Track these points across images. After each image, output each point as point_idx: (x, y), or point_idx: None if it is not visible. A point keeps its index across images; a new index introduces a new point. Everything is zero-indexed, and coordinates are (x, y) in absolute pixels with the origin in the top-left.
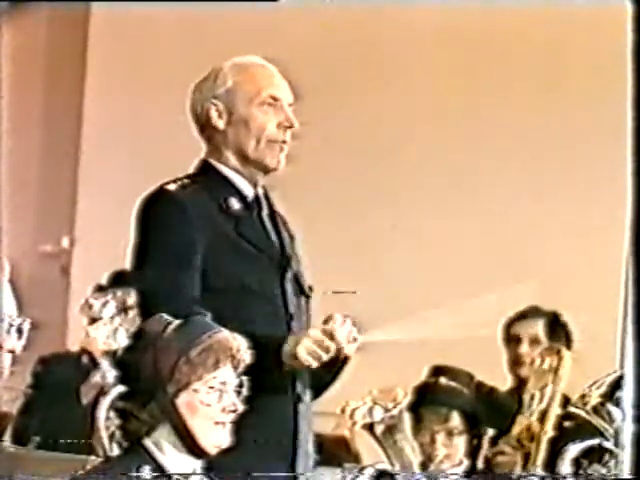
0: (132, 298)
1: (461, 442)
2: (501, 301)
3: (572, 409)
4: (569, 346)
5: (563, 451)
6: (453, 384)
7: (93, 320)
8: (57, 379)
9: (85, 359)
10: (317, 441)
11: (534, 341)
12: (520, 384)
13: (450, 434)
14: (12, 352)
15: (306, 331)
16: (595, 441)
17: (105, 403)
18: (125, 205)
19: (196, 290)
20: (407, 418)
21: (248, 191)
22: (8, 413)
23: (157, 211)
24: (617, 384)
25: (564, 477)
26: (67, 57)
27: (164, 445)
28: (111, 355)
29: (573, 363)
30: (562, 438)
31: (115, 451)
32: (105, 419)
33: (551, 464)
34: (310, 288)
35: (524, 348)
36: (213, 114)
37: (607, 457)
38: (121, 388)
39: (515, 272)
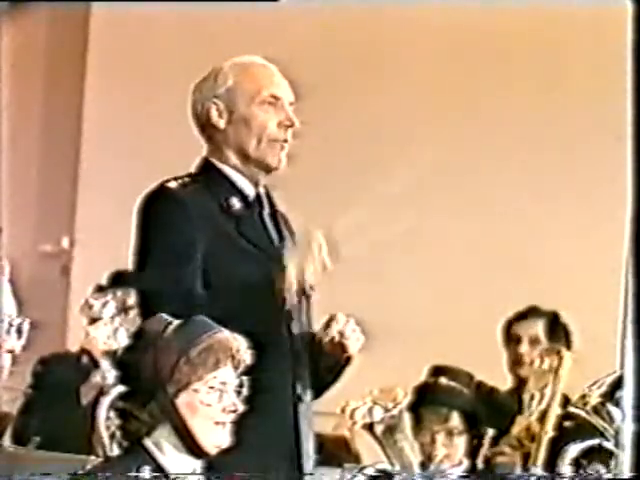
0: (132, 298)
1: (461, 442)
2: (501, 301)
3: (572, 409)
4: (569, 346)
5: (563, 451)
6: (453, 384)
7: (93, 320)
8: (57, 379)
9: (85, 359)
10: (317, 441)
11: (534, 341)
12: (520, 384)
13: (450, 434)
14: (12, 352)
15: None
16: (595, 441)
17: (105, 403)
18: (125, 205)
19: (198, 286)
20: (407, 418)
21: (249, 190)
22: (8, 413)
23: (158, 209)
24: (617, 384)
25: (564, 477)
26: (67, 57)
27: (164, 445)
28: (111, 355)
29: (573, 363)
30: (562, 438)
31: (115, 451)
32: (105, 419)
33: (551, 464)
34: (311, 287)
35: (524, 348)
36: (214, 113)
37: (607, 457)
38: (121, 388)
39: (515, 272)
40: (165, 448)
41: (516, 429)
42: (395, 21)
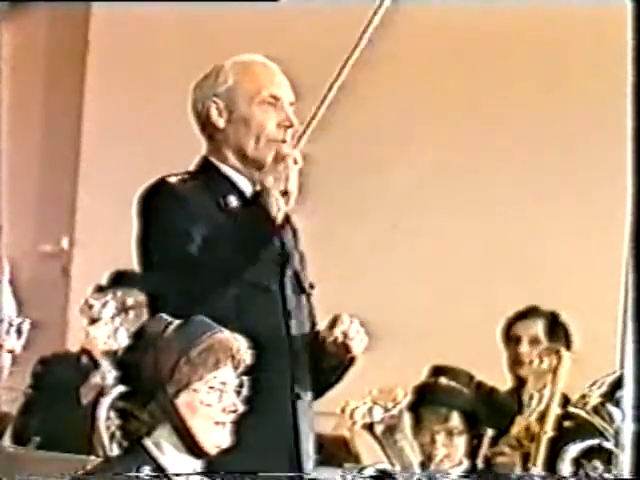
0: (132, 298)
1: (461, 442)
2: (501, 301)
3: (572, 409)
4: (569, 346)
5: (563, 451)
6: (453, 384)
7: (93, 320)
8: (57, 379)
9: (85, 359)
10: (317, 441)
11: (534, 341)
12: (520, 384)
13: (450, 434)
14: (12, 352)
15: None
16: (595, 441)
17: (105, 403)
18: (125, 205)
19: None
20: (407, 418)
21: (247, 189)
22: (8, 413)
23: (157, 203)
24: (617, 384)
25: (564, 477)
26: (67, 57)
27: (164, 445)
28: (111, 355)
29: (573, 363)
30: (562, 438)
31: (115, 451)
32: (105, 419)
33: (551, 464)
34: (311, 286)
35: (524, 348)
36: (213, 112)
37: (607, 457)
38: (121, 388)
39: (515, 272)
40: (165, 448)
41: (515, 429)
42: (395, 21)
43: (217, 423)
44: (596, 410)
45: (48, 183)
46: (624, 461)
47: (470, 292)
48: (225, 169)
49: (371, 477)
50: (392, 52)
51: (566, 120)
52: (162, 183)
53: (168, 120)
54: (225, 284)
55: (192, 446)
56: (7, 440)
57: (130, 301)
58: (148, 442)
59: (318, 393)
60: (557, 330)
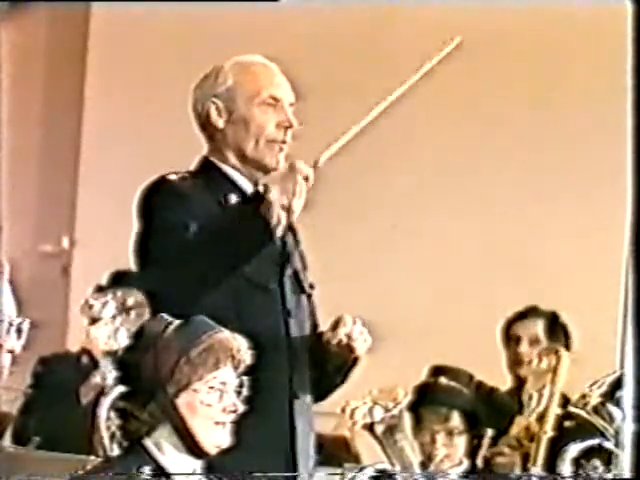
0: (132, 298)
1: (461, 442)
2: (501, 301)
3: (572, 409)
4: (568, 346)
5: (563, 451)
6: (453, 384)
7: (93, 320)
8: (57, 379)
9: (85, 359)
10: (317, 441)
11: (534, 341)
12: (520, 384)
13: (450, 434)
14: (12, 352)
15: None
16: (595, 441)
17: (106, 403)
18: (125, 205)
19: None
20: (407, 418)
21: (248, 188)
22: (8, 413)
23: (157, 201)
24: (617, 384)
25: (564, 477)
26: (67, 57)
27: (164, 445)
28: (111, 355)
29: (574, 363)
30: (562, 438)
31: (115, 451)
32: (106, 419)
33: (551, 464)
34: (311, 286)
35: (524, 348)
36: (213, 112)
37: (607, 457)
38: (121, 388)
39: (515, 272)
40: (165, 448)
41: (515, 429)
42: (395, 21)
43: (217, 423)
44: (596, 410)
45: (48, 183)
46: (624, 461)
47: (470, 292)
48: (226, 169)
49: (371, 477)
50: (392, 52)
51: (566, 120)
52: (162, 181)
53: (168, 120)
54: (223, 282)
55: (192, 446)
56: (7, 440)
57: (130, 301)
58: (148, 442)
59: (322, 395)
60: (557, 330)
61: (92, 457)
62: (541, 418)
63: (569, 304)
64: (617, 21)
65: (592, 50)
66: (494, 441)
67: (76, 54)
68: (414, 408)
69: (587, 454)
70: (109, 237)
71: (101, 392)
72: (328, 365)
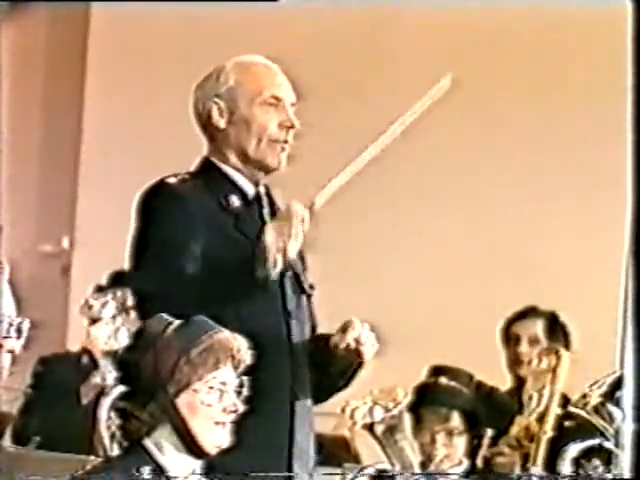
0: (132, 298)
1: (461, 442)
2: (501, 301)
3: (572, 409)
4: (568, 346)
5: (563, 451)
6: (453, 384)
7: (93, 320)
8: (57, 379)
9: (85, 359)
10: (317, 441)
11: (534, 341)
12: (520, 384)
13: (450, 434)
14: (12, 352)
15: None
16: (595, 441)
17: (106, 403)
18: (125, 205)
19: (196, 273)
20: (407, 418)
21: (249, 189)
22: (8, 413)
23: (157, 204)
24: (617, 384)
25: (564, 477)
26: (67, 57)
27: (164, 445)
28: (111, 355)
29: (574, 363)
30: (562, 438)
31: (115, 451)
32: (106, 419)
33: (551, 464)
34: (311, 286)
35: (523, 348)
36: (214, 113)
37: (607, 457)
38: (122, 388)
39: (515, 272)
40: (165, 448)
41: (515, 429)
42: (395, 21)
43: (217, 423)
44: (596, 410)
45: (48, 183)
46: (624, 461)
47: (470, 292)
48: (226, 169)
49: (371, 477)
50: (392, 52)
51: (566, 120)
52: (161, 184)
53: (168, 120)
54: (224, 285)
55: (192, 446)
56: (7, 440)
57: (131, 301)
58: (148, 442)
59: (324, 397)
60: (556, 330)
61: (92, 457)
62: (541, 418)
63: (569, 304)
64: (617, 21)
65: (592, 50)
66: (494, 441)
67: (76, 54)
68: (414, 408)
69: (587, 454)
70: (109, 237)
71: (101, 392)
72: (334, 368)
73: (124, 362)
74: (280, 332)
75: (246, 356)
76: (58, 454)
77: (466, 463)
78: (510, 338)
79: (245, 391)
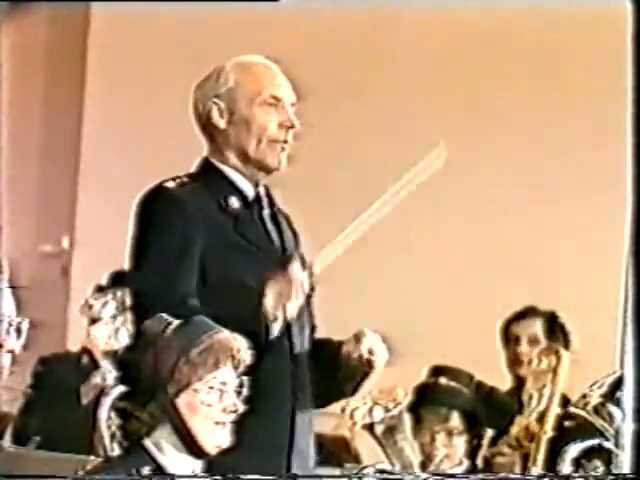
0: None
1: (461, 442)
2: (501, 301)
3: (572, 409)
4: (567, 346)
5: (563, 451)
6: (453, 384)
7: (93, 320)
8: (57, 379)
9: (85, 359)
10: (317, 441)
11: (533, 341)
12: (520, 384)
13: (450, 434)
14: (12, 352)
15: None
16: (595, 441)
17: (106, 403)
18: (125, 205)
19: (192, 289)
20: (407, 418)
21: (249, 190)
22: (8, 413)
23: (155, 208)
24: (617, 384)
25: (564, 477)
26: (67, 57)
27: (164, 445)
28: (111, 355)
29: (574, 364)
30: (562, 438)
31: (116, 451)
32: (106, 419)
33: (551, 464)
34: (311, 287)
35: (523, 348)
36: (214, 113)
37: (607, 457)
38: (122, 388)
39: (515, 272)
40: (165, 448)
41: (515, 429)
42: (395, 21)
43: (217, 423)
44: (596, 410)
45: (48, 183)
46: (624, 461)
47: (470, 292)
48: (226, 170)
49: (371, 477)
50: (392, 52)
51: (566, 120)
52: (160, 188)
53: (168, 120)
54: (223, 287)
55: (192, 446)
56: (7, 440)
57: (131, 300)
58: (148, 442)
59: (331, 402)
60: (556, 330)
61: (92, 457)
62: (541, 418)
63: (569, 304)
64: (617, 21)
65: (592, 50)
66: (494, 441)
67: (76, 54)
68: (414, 408)
69: (587, 454)
70: (109, 237)
71: (101, 392)
72: (344, 376)
73: (124, 362)
74: (280, 333)
75: (246, 356)
76: (58, 454)
77: (466, 463)
78: (510, 338)
79: (245, 391)
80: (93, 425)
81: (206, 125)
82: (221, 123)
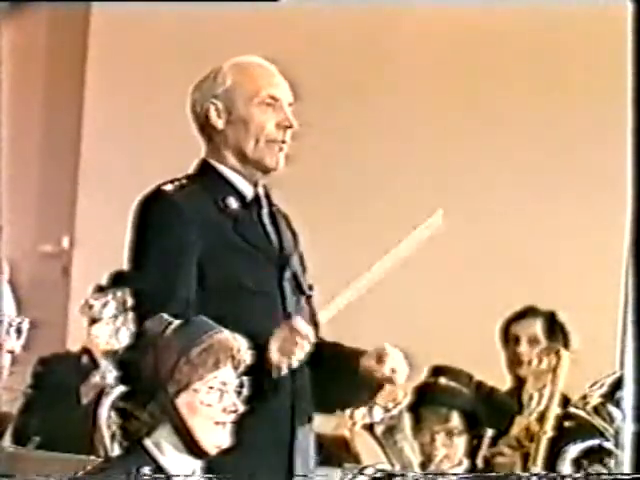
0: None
1: (461, 442)
2: (501, 301)
3: (572, 409)
4: (567, 346)
5: (563, 451)
6: (453, 384)
7: (93, 320)
8: (57, 379)
9: (85, 359)
10: (317, 441)
11: (533, 341)
12: (520, 384)
13: (450, 434)
14: (12, 352)
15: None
16: (595, 441)
17: (107, 403)
18: (125, 205)
19: (191, 292)
20: (407, 418)
21: (247, 190)
22: (8, 413)
23: (153, 213)
24: (617, 384)
25: (564, 477)
26: (67, 57)
27: (164, 445)
28: (112, 355)
29: (574, 364)
30: (562, 438)
31: (116, 451)
32: (106, 419)
33: (551, 464)
34: (310, 287)
35: (523, 348)
36: (212, 114)
37: (607, 457)
38: (122, 388)
39: (515, 272)
40: (165, 448)
41: (515, 429)
42: (395, 21)
43: (217, 423)
44: (596, 410)
45: (48, 183)
46: (624, 461)
47: (470, 292)
48: (224, 170)
49: (371, 477)
50: (392, 52)
51: (566, 120)
52: (158, 192)
53: (168, 121)
54: (223, 289)
55: (192, 446)
56: (7, 440)
57: (131, 301)
58: (148, 442)
59: (344, 408)
60: (555, 330)
61: (92, 457)
62: (541, 418)
63: (569, 304)
64: (617, 21)
65: (592, 50)
66: (494, 441)
67: (76, 54)
68: (414, 408)
69: (587, 454)
70: (109, 237)
71: (101, 392)
72: (360, 388)
73: (124, 362)
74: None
75: (246, 356)
76: (58, 454)
77: (466, 463)
78: (509, 338)
79: (245, 391)
80: (93, 425)
81: (204, 125)
82: (219, 123)
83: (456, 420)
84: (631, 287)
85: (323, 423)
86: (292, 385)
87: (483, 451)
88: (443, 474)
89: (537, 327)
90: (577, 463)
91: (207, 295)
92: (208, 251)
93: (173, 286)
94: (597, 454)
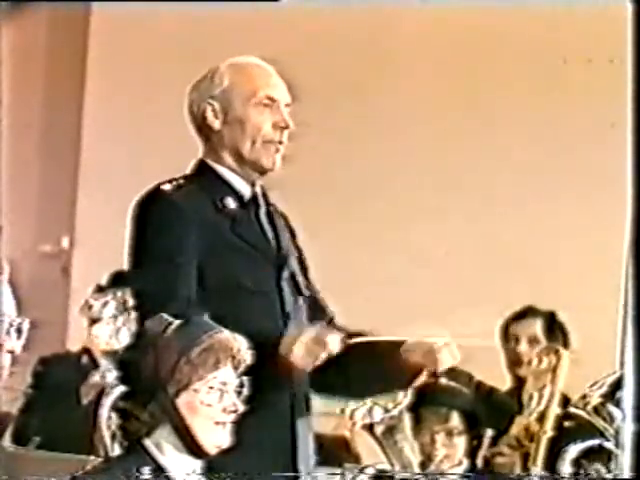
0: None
1: (461, 442)
2: (500, 301)
3: (572, 409)
4: (567, 345)
5: (563, 451)
6: (453, 384)
7: (93, 320)
8: (57, 379)
9: (85, 359)
10: (317, 441)
11: (533, 340)
12: (520, 384)
13: (450, 434)
14: (12, 352)
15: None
16: (595, 441)
17: (107, 403)
18: (125, 205)
19: (192, 291)
20: (407, 418)
21: (245, 190)
22: (8, 413)
23: (153, 212)
24: (617, 384)
25: (564, 477)
26: (67, 57)
27: (164, 445)
28: (111, 355)
29: (574, 364)
30: (562, 438)
31: (116, 451)
32: (107, 419)
33: (551, 464)
34: (309, 287)
35: (523, 347)
36: (209, 114)
37: (607, 457)
38: (122, 388)
39: (515, 272)
40: (165, 448)
41: (515, 429)
42: (395, 21)
43: (217, 423)
44: (596, 410)
45: (48, 183)
46: (624, 461)
47: (470, 292)
48: (222, 171)
49: (371, 477)
50: (392, 52)
51: (566, 120)
52: (157, 191)
53: (168, 120)
54: (222, 289)
55: (192, 446)
56: (7, 440)
57: (131, 301)
58: (148, 442)
59: (378, 395)
60: (555, 329)
61: (92, 457)
62: (541, 418)
63: (569, 304)
64: (617, 21)
65: (592, 50)
66: (494, 441)
67: (76, 54)
68: (414, 408)
69: (587, 454)
70: (109, 237)
71: (101, 392)
72: (400, 378)
73: (124, 362)
74: (279, 334)
75: (246, 356)
76: (58, 454)
77: (466, 463)
78: (509, 338)
79: (245, 391)
80: (93, 425)
81: (201, 126)
82: (216, 124)
83: (456, 420)
84: (631, 287)
85: (323, 423)
86: (291, 383)
87: (483, 451)
88: (443, 474)
89: (537, 327)
90: (577, 463)
91: (206, 295)
92: (207, 251)
93: (173, 286)
94: (597, 454)
